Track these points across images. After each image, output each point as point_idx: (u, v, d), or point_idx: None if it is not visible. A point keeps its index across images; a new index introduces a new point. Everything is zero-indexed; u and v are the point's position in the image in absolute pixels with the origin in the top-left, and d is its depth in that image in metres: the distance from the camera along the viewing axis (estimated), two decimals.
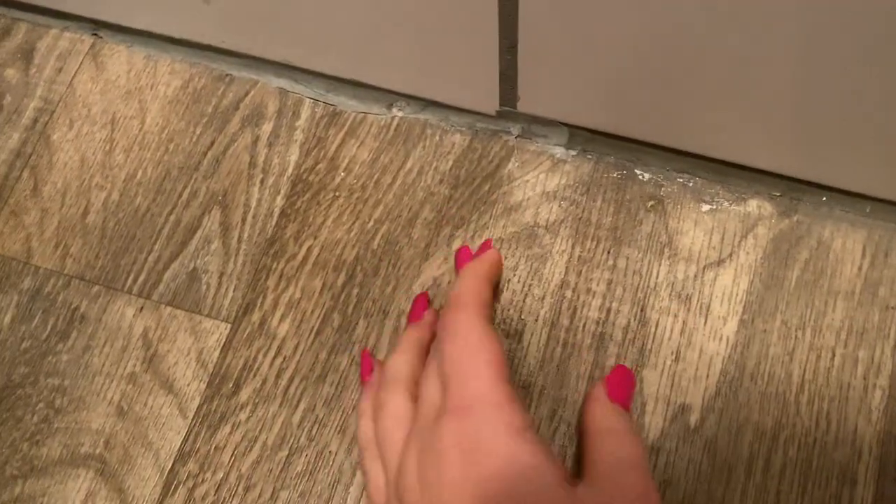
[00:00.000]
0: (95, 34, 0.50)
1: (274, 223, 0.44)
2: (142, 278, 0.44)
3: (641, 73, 0.38)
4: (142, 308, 0.43)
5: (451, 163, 0.45)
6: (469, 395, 0.31)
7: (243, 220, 0.44)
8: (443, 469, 0.29)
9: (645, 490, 0.30)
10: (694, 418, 0.39)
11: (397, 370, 0.36)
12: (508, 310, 0.41)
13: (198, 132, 0.47)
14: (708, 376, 0.39)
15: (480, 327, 0.33)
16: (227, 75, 0.48)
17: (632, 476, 0.31)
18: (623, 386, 0.36)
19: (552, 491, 0.29)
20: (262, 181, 0.45)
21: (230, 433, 0.40)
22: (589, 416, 0.35)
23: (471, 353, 0.32)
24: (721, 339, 0.40)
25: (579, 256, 0.42)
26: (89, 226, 0.45)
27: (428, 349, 0.37)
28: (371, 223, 0.44)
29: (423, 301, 0.40)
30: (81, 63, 0.49)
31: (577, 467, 0.34)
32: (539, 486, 0.29)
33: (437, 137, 0.46)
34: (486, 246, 0.41)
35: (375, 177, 0.45)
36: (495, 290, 0.41)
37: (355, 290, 0.43)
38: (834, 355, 0.39)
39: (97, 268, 0.44)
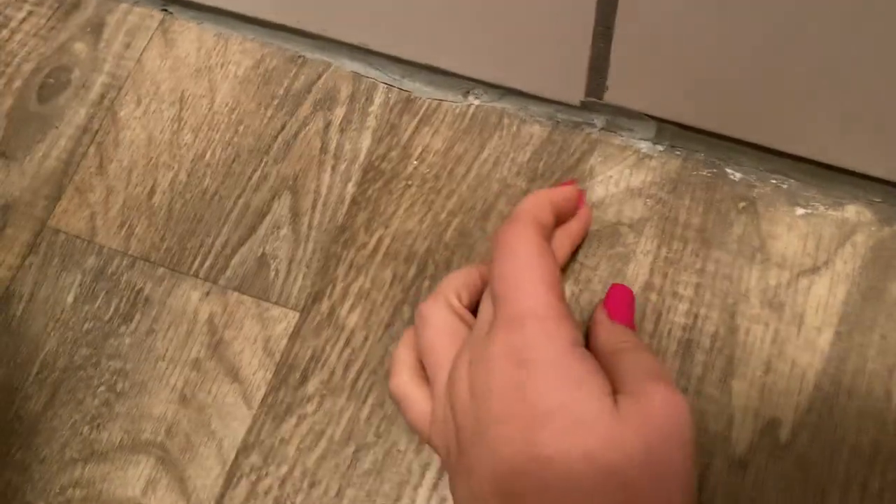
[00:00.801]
0: (165, 10, 0.49)
1: (345, 211, 0.43)
2: (208, 262, 0.43)
3: (740, 66, 0.36)
4: (208, 293, 0.42)
5: (528, 155, 0.43)
6: (521, 309, 0.30)
7: (313, 207, 0.43)
8: (492, 377, 0.30)
9: (675, 398, 0.30)
10: (784, 433, 0.37)
11: (445, 282, 0.36)
12: (588, 311, 0.39)
13: (268, 114, 0.45)
14: (800, 390, 0.37)
15: (536, 243, 0.32)
16: (299, 56, 0.47)
17: (661, 386, 0.30)
18: (622, 305, 0.36)
19: (600, 401, 0.29)
20: (333, 167, 0.44)
21: (296, 425, 0.39)
22: (596, 341, 0.35)
23: (524, 268, 0.31)
24: (815, 351, 0.38)
25: (665, 258, 0.40)
26: (155, 206, 0.44)
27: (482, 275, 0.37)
28: (444, 214, 0.42)
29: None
30: (150, 39, 0.48)
31: None
32: (588, 395, 0.29)
33: (515, 128, 0.44)
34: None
35: (449, 167, 0.43)
36: (575, 249, 0.40)
37: (426, 283, 0.41)
38: None
39: (162, 249, 0.43)
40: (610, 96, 0.41)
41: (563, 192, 0.38)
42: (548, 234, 0.35)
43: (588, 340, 0.36)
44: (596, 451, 0.28)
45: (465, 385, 0.31)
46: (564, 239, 0.38)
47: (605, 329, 0.35)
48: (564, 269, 0.40)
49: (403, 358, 0.35)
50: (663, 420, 0.29)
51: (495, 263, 0.33)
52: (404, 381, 0.34)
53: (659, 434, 0.29)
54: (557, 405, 0.28)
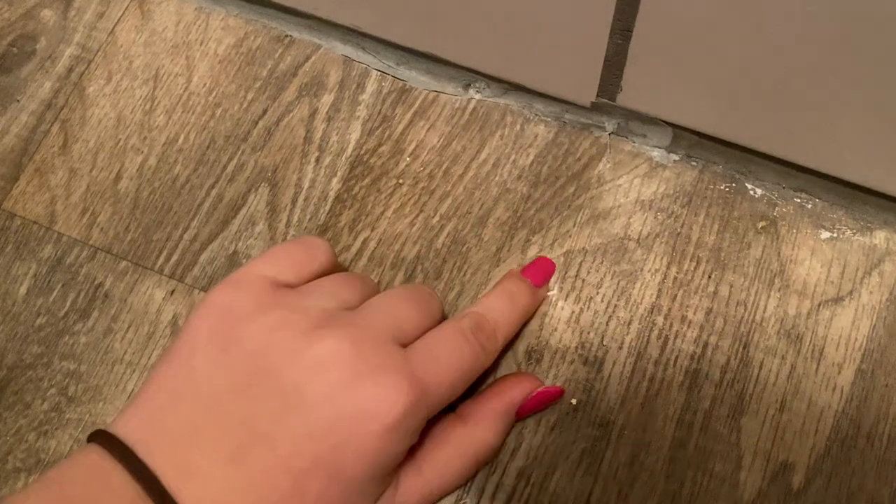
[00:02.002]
0: None
1: (328, 209, 0.39)
2: (175, 258, 0.39)
3: (767, 72, 0.32)
4: (173, 291, 0.38)
5: (532, 157, 0.40)
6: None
7: (293, 202, 0.39)
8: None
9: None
10: (798, 479, 0.33)
11: None
12: (589, 333, 0.36)
13: (249, 98, 0.42)
14: (817, 432, 0.34)
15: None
16: (286, 36, 0.43)
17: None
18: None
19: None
20: (317, 160, 0.40)
21: None
22: None
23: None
24: (835, 389, 0.34)
25: (675, 278, 0.36)
26: (121, 193, 0.40)
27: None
28: (436, 218, 0.39)
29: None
30: (126, 9, 0.44)
31: None
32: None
33: (518, 127, 0.40)
34: (543, 267, 0.37)
35: (445, 165, 0.40)
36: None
37: None
38: None
39: (126, 241, 0.40)
40: (623, 98, 0.37)
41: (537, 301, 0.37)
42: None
43: None
44: None
45: None
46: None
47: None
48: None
49: None
50: None
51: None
52: None
53: None
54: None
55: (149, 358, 0.37)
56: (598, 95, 0.38)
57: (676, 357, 0.35)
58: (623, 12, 0.32)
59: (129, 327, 0.38)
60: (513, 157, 0.40)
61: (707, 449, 0.34)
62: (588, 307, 0.36)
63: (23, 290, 0.39)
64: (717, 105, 0.36)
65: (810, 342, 0.35)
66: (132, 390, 0.37)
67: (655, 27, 0.32)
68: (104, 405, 0.37)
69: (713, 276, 0.36)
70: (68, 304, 0.39)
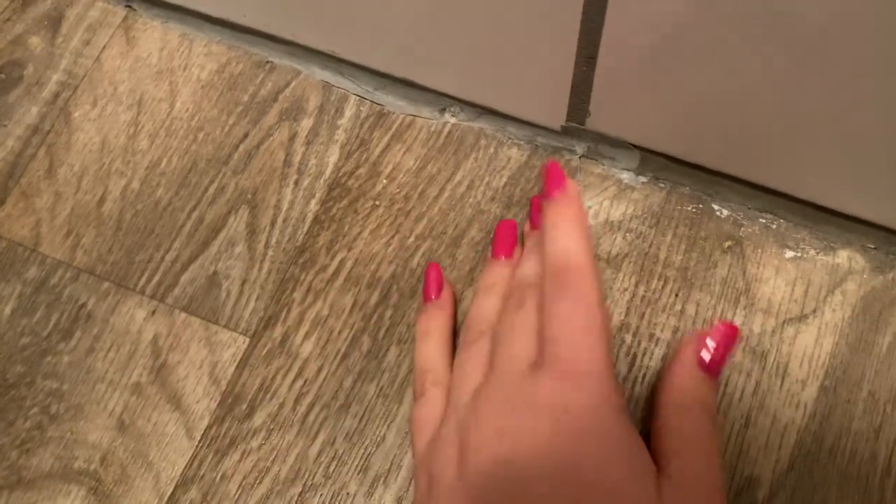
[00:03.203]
0: (129, 6, 0.46)
1: (305, 230, 0.40)
2: (157, 278, 0.40)
3: (729, 98, 0.34)
4: (154, 311, 0.39)
5: (505, 179, 0.41)
6: (580, 362, 0.29)
7: (272, 224, 0.40)
8: (532, 423, 0.28)
9: (717, 482, 0.29)
10: (762, 494, 0.34)
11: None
12: None
13: (230, 122, 0.43)
14: (780, 447, 0.35)
15: (600, 294, 0.30)
16: (267, 62, 0.44)
17: (711, 468, 0.29)
18: (722, 350, 0.32)
19: (645, 484, 0.27)
20: (296, 182, 0.41)
21: (240, 461, 0.36)
22: (671, 385, 0.31)
23: (590, 321, 0.29)
24: (798, 405, 0.35)
25: (643, 297, 0.37)
26: (105, 215, 0.41)
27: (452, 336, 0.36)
28: (412, 238, 0.40)
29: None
30: (112, 36, 0.45)
31: None
32: (634, 477, 0.27)
33: (492, 150, 0.41)
34: (554, 176, 0.34)
35: (420, 187, 0.41)
36: None
37: (388, 312, 0.38)
38: None
39: (109, 262, 0.40)
40: (592, 122, 0.38)
41: (581, 201, 0.35)
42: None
43: (662, 378, 0.33)
44: None
45: (490, 424, 0.29)
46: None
47: (686, 375, 0.32)
48: None
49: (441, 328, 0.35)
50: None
51: (559, 305, 0.30)
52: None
53: None
54: (606, 483, 0.27)
55: (129, 377, 0.38)
56: (567, 120, 0.39)
57: (644, 374, 0.36)
58: (586, 41, 0.33)
59: (111, 347, 0.39)
60: (487, 179, 0.41)
61: None
62: None
63: (7, 310, 0.40)
64: (681, 129, 0.37)
65: (775, 359, 0.36)
66: (113, 409, 0.38)
67: (618, 55, 0.33)
68: (85, 423, 0.38)
69: (680, 294, 0.37)
70: (52, 324, 0.40)
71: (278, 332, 0.38)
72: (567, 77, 0.36)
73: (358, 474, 0.36)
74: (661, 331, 0.37)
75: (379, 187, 0.41)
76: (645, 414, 0.36)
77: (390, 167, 0.41)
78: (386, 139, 0.42)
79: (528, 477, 0.27)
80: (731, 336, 0.32)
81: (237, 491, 0.36)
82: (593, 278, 0.31)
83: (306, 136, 0.42)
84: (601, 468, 0.27)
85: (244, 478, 0.36)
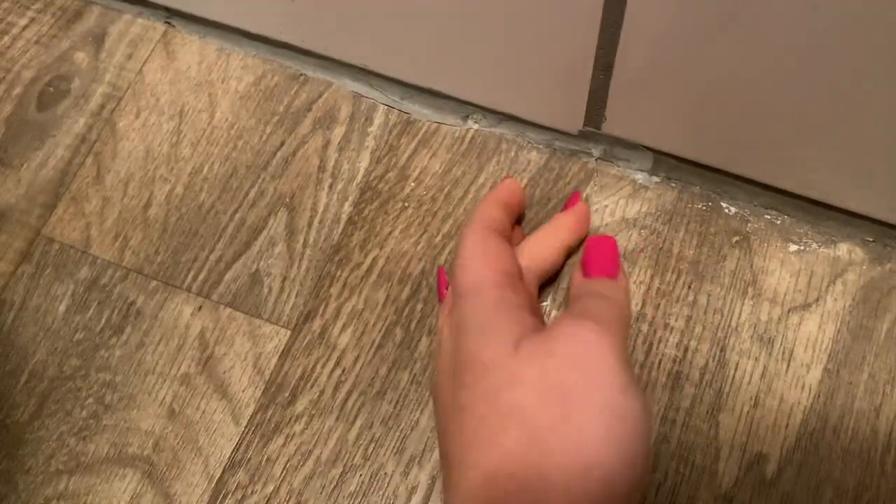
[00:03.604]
0: (168, 22, 0.49)
1: (340, 230, 0.43)
2: (202, 277, 0.43)
3: (737, 104, 0.36)
4: (200, 307, 0.42)
5: (525, 181, 0.43)
6: (461, 286, 0.34)
7: (309, 225, 0.43)
8: (442, 348, 0.34)
9: (577, 329, 0.31)
10: (771, 469, 0.37)
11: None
12: None
13: (268, 131, 0.46)
14: (787, 426, 0.37)
15: (479, 233, 0.35)
16: (301, 75, 0.47)
17: (568, 322, 0.31)
18: (600, 260, 0.36)
19: (502, 346, 0.31)
20: (330, 186, 0.44)
21: (283, 445, 0.39)
22: (571, 287, 0.36)
23: (466, 254, 0.35)
24: (803, 387, 0.38)
25: (658, 289, 0.40)
26: (151, 218, 0.44)
27: None
28: (439, 237, 0.43)
29: (445, 279, 0.40)
30: (152, 51, 0.48)
31: None
32: (492, 343, 0.31)
33: (513, 153, 0.44)
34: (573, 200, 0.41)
35: (446, 189, 0.44)
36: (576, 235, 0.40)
37: (419, 306, 0.41)
38: None
39: (156, 262, 0.43)
40: (608, 127, 0.41)
41: (505, 186, 0.40)
42: (500, 225, 0.37)
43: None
44: (495, 390, 0.30)
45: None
46: (552, 230, 0.39)
47: (574, 282, 0.36)
48: (565, 258, 0.40)
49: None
50: (566, 348, 0.30)
51: (453, 266, 0.36)
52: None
53: (559, 362, 0.29)
54: (471, 358, 0.31)
55: (178, 368, 0.41)
56: (584, 125, 0.42)
57: (660, 360, 0.39)
58: (604, 51, 0.36)
59: (160, 341, 0.42)
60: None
61: (688, 443, 0.37)
62: None
63: (62, 308, 0.43)
64: (692, 132, 0.40)
65: (781, 345, 0.39)
66: (163, 398, 0.40)
67: (633, 64, 0.36)
68: (138, 412, 0.40)
69: (692, 286, 0.40)
70: (103, 320, 0.42)
71: (317, 325, 0.41)
72: (585, 85, 0.38)
73: (395, 455, 0.38)
74: (675, 320, 0.39)
75: (407, 190, 0.44)
76: (661, 401, 0.38)
77: (418, 171, 0.44)
78: (413, 145, 0.45)
79: (438, 383, 0.34)
80: (602, 248, 0.36)
81: (282, 472, 0.39)
82: (470, 228, 0.37)
83: (339, 143, 0.45)
84: (468, 350, 0.32)
85: (288, 460, 0.39)
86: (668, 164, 0.42)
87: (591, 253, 0.36)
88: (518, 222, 0.42)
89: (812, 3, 0.29)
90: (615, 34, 0.35)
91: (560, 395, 0.29)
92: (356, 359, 0.40)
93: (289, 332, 0.41)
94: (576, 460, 0.27)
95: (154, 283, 0.43)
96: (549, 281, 0.40)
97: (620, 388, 0.29)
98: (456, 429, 0.30)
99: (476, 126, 0.45)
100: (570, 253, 0.40)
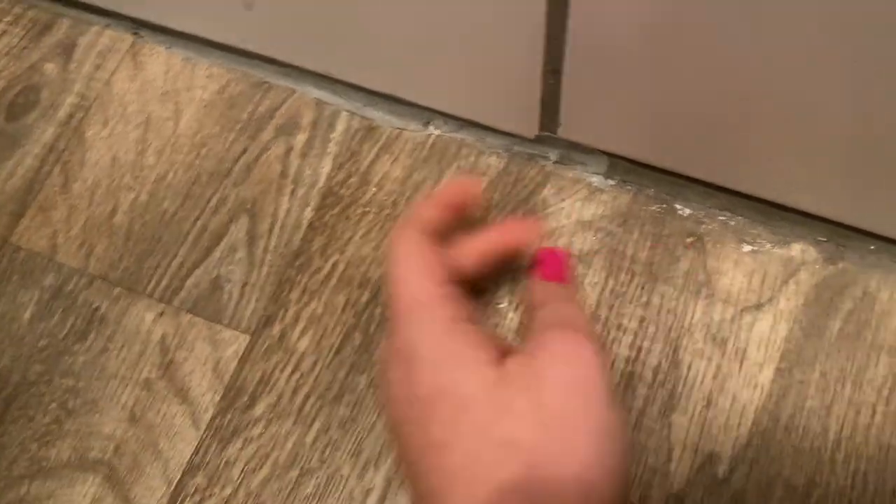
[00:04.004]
0: (136, 33, 0.50)
1: (301, 235, 0.43)
2: (164, 283, 0.43)
3: (688, 107, 0.37)
4: (162, 313, 0.43)
5: (485, 185, 0.44)
6: (398, 305, 0.32)
7: (270, 231, 0.44)
8: (390, 384, 0.31)
9: (572, 343, 0.30)
10: (722, 469, 0.37)
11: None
12: None
13: (231, 138, 0.46)
14: (740, 425, 0.38)
15: (409, 239, 0.34)
16: (264, 82, 0.47)
17: (558, 334, 0.30)
18: (559, 266, 0.37)
19: (480, 374, 0.29)
20: (292, 192, 0.45)
21: (241, 448, 0.39)
22: (529, 299, 0.36)
23: (397, 266, 0.33)
24: (756, 387, 0.38)
25: (612, 290, 0.41)
26: (116, 226, 0.45)
27: None
28: None
29: None
30: (121, 61, 0.49)
31: None
32: (467, 372, 0.29)
33: (473, 158, 0.45)
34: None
35: (407, 194, 0.44)
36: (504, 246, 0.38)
37: (378, 310, 0.42)
38: (875, 413, 0.37)
39: (120, 269, 0.44)
40: (563, 131, 0.42)
41: (450, 184, 0.39)
42: (436, 227, 0.35)
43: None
44: (485, 424, 0.28)
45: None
46: (495, 234, 0.37)
47: (533, 286, 0.36)
48: (503, 264, 0.39)
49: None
50: (557, 370, 0.29)
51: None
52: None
53: (552, 386, 0.28)
54: (440, 391, 0.29)
55: (140, 373, 0.41)
56: (540, 129, 0.42)
57: (613, 361, 0.39)
58: (550, 57, 0.36)
59: (122, 346, 0.42)
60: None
61: (641, 443, 0.38)
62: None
63: (27, 315, 0.43)
64: (646, 136, 0.40)
65: (734, 345, 0.39)
66: (125, 403, 0.41)
67: (581, 70, 0.36)
68: (100, 417, 0.41)
69: (646, 287, 0.40)
70: (68, 327, 0.43)
71: (277, 329, 0.41)
72: (536, 90, 0.39)
73: (351, 458, 0.39)
74: (629, 321, 0.40)
75: (369, 195, 0.44)
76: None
77: (379, 176, 0.45)
78: (375, 151, 0.45)
79: (397, 424, 0.31)
80: (552, 258, 0.37)
81: (240, 476, 0.39)
82: (400, 233, 0.35)
83: (301, 149, 0.46)
84: (433, 383, 0.30)
85: (246, 463, 0.39)
86: (623, 167, 0.42)
87: (549, 259, 0.37)
88: (472, 225, 0.41)
89: (755, 6, 0.29)
90: (560, 41, 0.35)
91: (557, 422, 0.28)
92: (314, 363, 0.41)
93: (248, 337, 0.41)
94: (574, 485, 0.27)
95: (118, 289, 0.43)
96: (507, 280, 0.41)
97: (608, 404, 0.28)
98: (434, 464, 0.28)
99: (437, 132, 0.45)
100: (507, 259, 0.38)
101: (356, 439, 0.39)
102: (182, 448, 0.40)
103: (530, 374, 0.29)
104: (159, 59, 0.49)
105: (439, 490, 0.28)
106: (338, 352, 0.41)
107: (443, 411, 0.28)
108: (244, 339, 0.41)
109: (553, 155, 0.44)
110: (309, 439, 0.39)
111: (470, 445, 0.28)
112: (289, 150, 0.46)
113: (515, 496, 0.26)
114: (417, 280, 0.32)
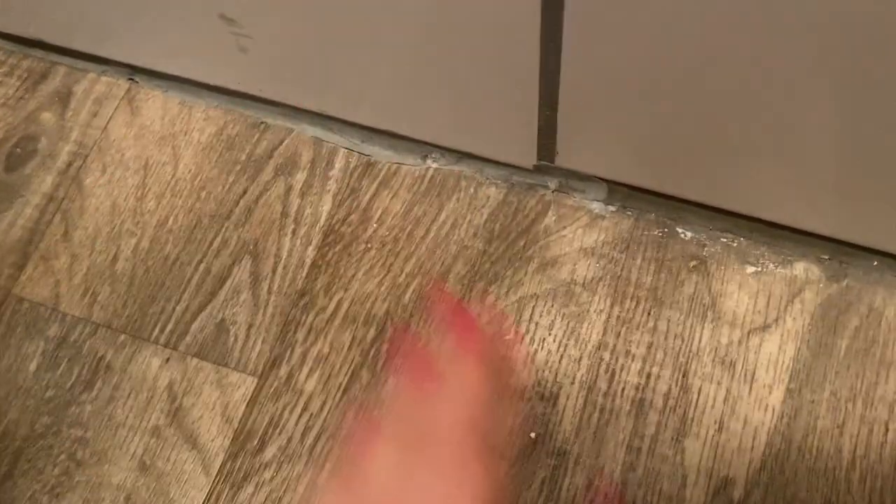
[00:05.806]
0: (132, 79, 0.50)
1: (304, 274, 0.43)
2: (169, 328, 0.43)
3: (684, 132, 0.37)
4: (168, 359, 0.42)
5: (485, 216, 0.44)
6: None
7: (273, 271, 0.44)
8: None
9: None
10: (738, 493, 0.37)
11: None
12: (544, 371, 0.40)
13: (230, 180, 0.46)
14: (753, 448, 0.38)
15: None
16: (261, 123, 0.48)
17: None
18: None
19: None
20: (293, 231, 0.45)
21: (253, 493, 0.39)
22: None
23: None
24: (766, 408, 0.38)
25: (618, 316, 0.40)
26: (118, 273, 0.45)
27: None
28: (403, 277, 0.43)
29: None
30: (117, 107, 0.49)
31: None
32: None
33: (472, 190, 0.45)
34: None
35: (408, 229, 0.44)
36: None
37: (385, 346, 0.42)
38: (888, 430, 0.37)
39: (124, 316, 0.44)
40: (561, 160, 0.42)
41: None
42: None
43: None
44: None
45: None
46: None
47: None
48: None
49: None
50: None
51: None
52: None
53: None
54: None
55: (148, 421, 0.41)
56: (538, 159, 0.42)
57: (623, 388, 0.39)
58: (546, 90, 0.36)
59: (129, 394, 0.42)
60: (469, 217, 0.44)
61: (655, 470, 0.37)
62: (542, 347, 0.40)
63: (32, 366, 0.43)
64: (644, 162, 0.40)
65: (742, 367, 0.39)
66: (134, 451, 0.41)
67: (576, 101, 0.37)
68: (109, 466, 0.41)
69: (652, 312, 0.40)
70: (74, 376, 0.43)
71: (284, 370, 0.41)
72: (533, 121, 0.39)
73: None
74: (637, 347, 0.40)
75: (370, 231, 0.44)
76: (625, 428, 0.38)
77: (379, 212, 0.45)
78: (374, 186, 0.45)
79: None
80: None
81: None
82: None
83: (301, 189, 0.46)
84: None
85: None
86: (622, 193, 0.42)
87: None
88: None
89: (749, 31, 0.30)
90: (555, 75, 0.35)
91: None
92: (323, 403, 0.41)
93: (256, 380, 0.41)
94: None
95: (123, 336, 0.43)
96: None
97: None
98: None
99: (435, 165, 0.46)
100: None
101: None
102: (194, 495, 0.39)
103: None
104: (156, 103, 0.49)
105: None
106: (346, 391, 0.41)
107: None
108: (252, 382, 0.41)
109: (552, 183, 0.44)
110: (322, 481, 0.39)
111: None
112: (289, 190, 0.46)
113: None
114: None
